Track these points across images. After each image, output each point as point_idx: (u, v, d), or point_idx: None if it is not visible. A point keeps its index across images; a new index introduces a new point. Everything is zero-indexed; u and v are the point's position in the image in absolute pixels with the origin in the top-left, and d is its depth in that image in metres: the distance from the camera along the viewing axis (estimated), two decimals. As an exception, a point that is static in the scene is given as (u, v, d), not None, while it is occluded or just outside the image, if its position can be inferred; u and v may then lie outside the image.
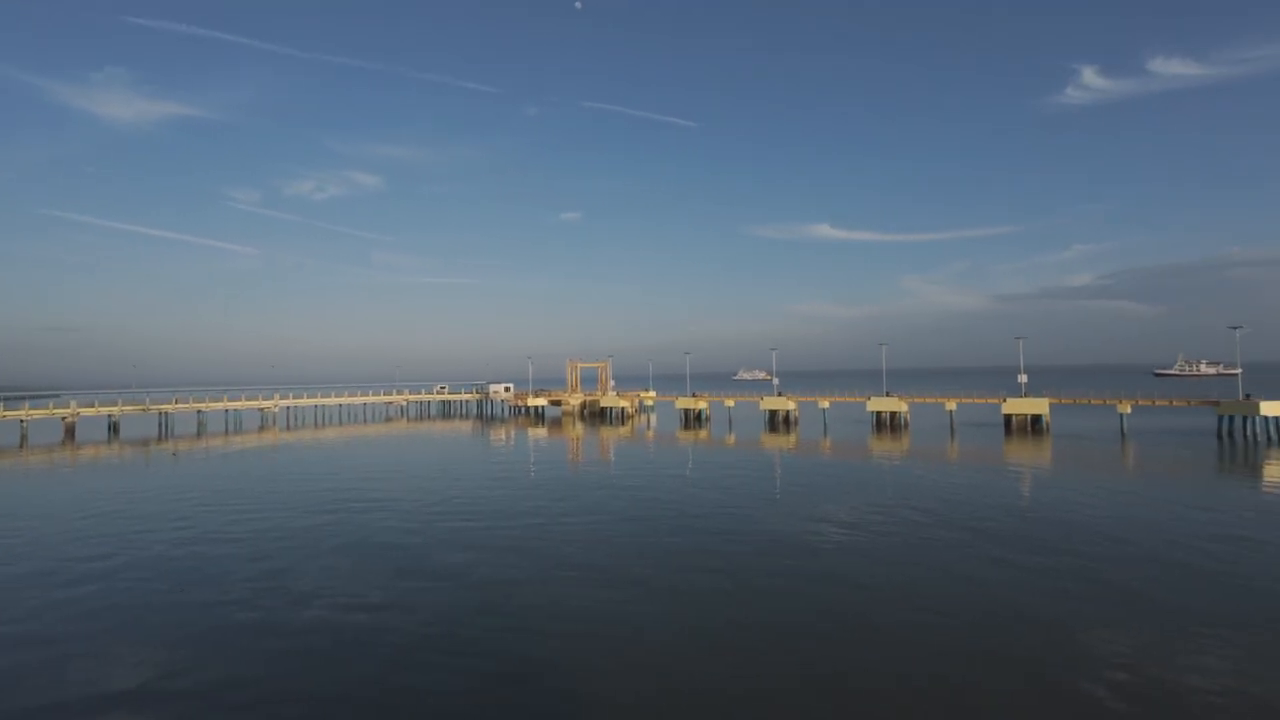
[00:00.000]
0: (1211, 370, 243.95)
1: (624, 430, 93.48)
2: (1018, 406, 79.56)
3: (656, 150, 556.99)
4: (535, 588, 24.58)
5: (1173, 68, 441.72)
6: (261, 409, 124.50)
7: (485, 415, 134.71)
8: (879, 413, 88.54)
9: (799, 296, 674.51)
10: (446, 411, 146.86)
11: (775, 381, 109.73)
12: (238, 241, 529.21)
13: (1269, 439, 64.53)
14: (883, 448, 66.78)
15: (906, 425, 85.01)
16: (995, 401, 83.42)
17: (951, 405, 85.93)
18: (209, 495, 45.15)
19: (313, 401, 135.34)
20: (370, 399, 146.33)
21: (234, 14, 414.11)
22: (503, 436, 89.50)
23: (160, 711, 15.80)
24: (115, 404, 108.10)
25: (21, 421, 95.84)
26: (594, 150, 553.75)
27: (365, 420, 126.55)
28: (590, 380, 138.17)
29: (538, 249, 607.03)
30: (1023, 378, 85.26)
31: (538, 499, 42.03)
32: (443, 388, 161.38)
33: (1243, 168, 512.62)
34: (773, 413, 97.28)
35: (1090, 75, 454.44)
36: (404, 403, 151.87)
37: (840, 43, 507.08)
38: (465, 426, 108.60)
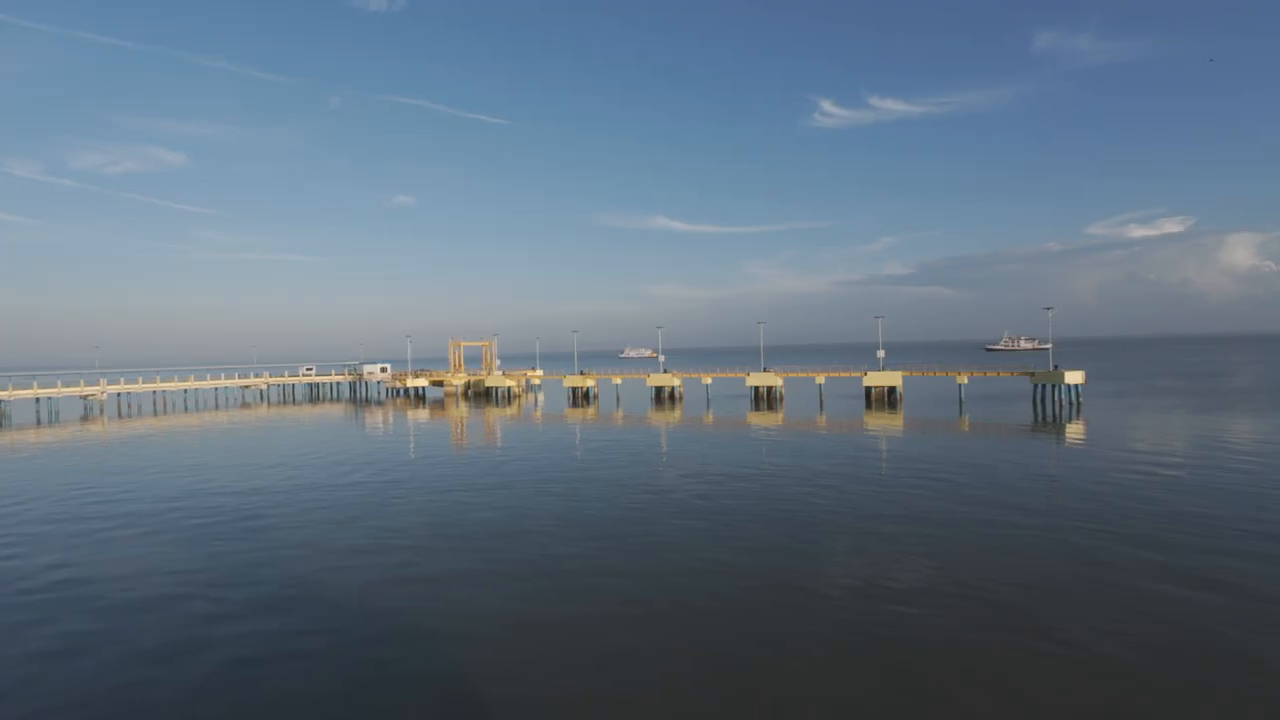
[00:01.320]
0: (1029, 345, 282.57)
1: (511, 410, 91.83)
2: (877, 379, 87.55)
3: (472, 144, 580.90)
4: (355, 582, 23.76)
5: (889, 104, 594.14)
6: (85, 396, 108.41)
7: (359, 398, 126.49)
8: (757, 387, 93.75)
9: (655, 279, 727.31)
10: (314, 395, 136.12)
11: (661, 359, 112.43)
12: (19, 213, 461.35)
13: (1070, 402, 76.26)
14: (761, 420, 70.98)
15: (782, 398, 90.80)
16: (857, 375, 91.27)
17: (821, 379, 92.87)
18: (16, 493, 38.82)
19: (150, 387, 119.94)
20: (223, 383, 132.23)
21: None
22: (378, 420, 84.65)
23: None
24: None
25: None
26: (409, 140, 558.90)
27: (217, 406, 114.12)
28: (475, 360, 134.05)
29: (376, 232, 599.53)
30: (881, 353, 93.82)
31: (404, 481, 40.38)
32: (309, 369, 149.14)
33: (978, 183, 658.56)
34: (659, 389, 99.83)
35: (829, 105, 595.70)
36: (264, 386, 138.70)
37: (627, 51, 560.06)
38: (336, 410, 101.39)
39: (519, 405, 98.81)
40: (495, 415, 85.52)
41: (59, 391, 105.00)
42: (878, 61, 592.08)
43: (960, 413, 72.35)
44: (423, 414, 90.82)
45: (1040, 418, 66.90)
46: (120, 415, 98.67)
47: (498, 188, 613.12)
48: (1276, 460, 41.00)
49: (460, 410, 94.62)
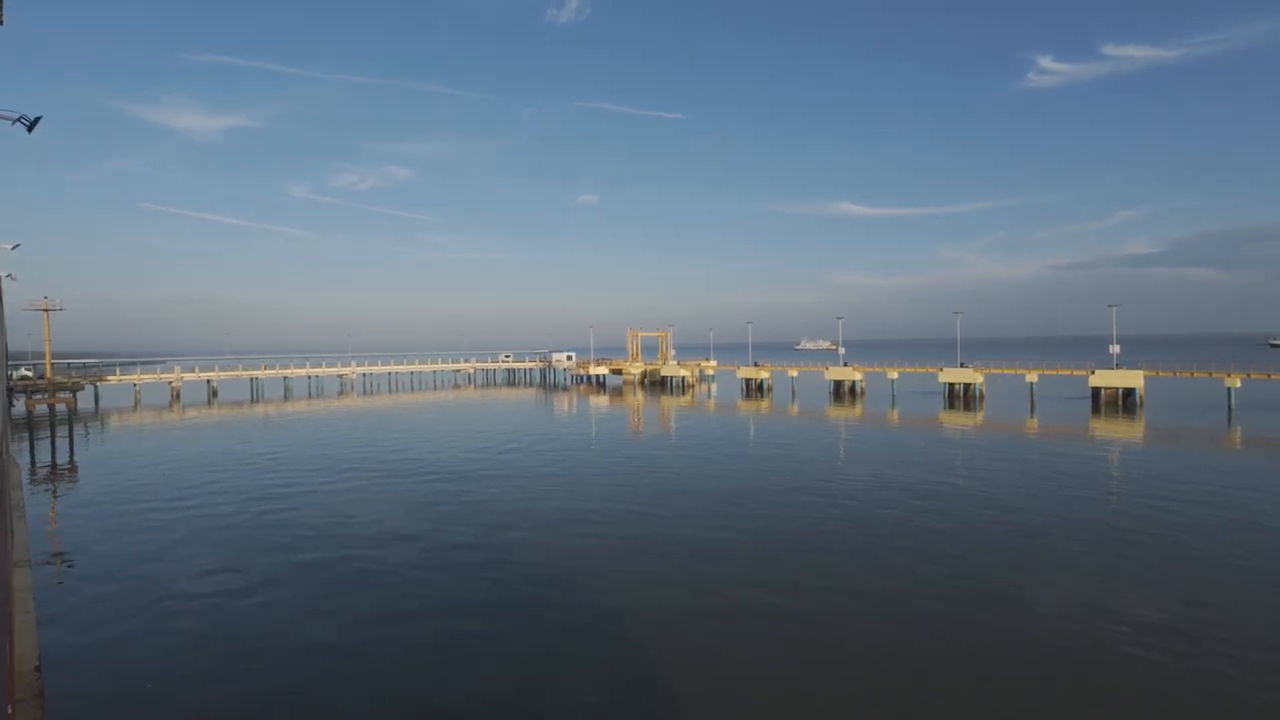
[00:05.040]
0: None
1: (685, 400, 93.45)
2: (1107, 379, 74.21)
3: (651, 140, 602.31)
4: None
5: (1127, 51, 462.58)
6: (340, 375, 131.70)
7: (548, 383, 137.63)
8: (952, 384, 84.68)
9: (837, 267, 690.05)
10: (511, 379, 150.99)
11: (841, 351, 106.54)
12: (297, 226, 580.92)
13: None
14: (956, 420, 63.95)
15: (982, 397, 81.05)
16: (1082, 373, 78.18)
17: (1033, 377, 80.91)
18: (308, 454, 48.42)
19: (386, 369, 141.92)
20: (439, 366, 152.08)
21: (262, 44, 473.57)
22: (565, 405, 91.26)
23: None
24: (213, 369, 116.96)
25: (135, 386, 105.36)
26: (593, 142, 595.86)
27: (435, 387, 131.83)
28: (651, 349, 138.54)
29: (563, 229, 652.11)
30: (1115, 348, 79.24)
31: (596, 466, 42.74)
32: (507, 355, 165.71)
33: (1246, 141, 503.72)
34: (838, 383, 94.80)
35: (1048, 61, 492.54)
36: (471, 370, 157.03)
37: (805, 24, 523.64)
38: (530, 394, 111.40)
39: (693, 395, 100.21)
40: (670, 403, 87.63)
41: (323, 371, 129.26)
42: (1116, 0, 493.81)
43: (1229, 423, 58.62)
44: (603, 400, 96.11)
45: (1356, 434, 51.72)
46: (365, 392, 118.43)
47: (675, 181, 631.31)
48: None
49: (637, 397, 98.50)
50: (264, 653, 17.26)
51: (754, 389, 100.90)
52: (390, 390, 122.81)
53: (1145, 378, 73.89)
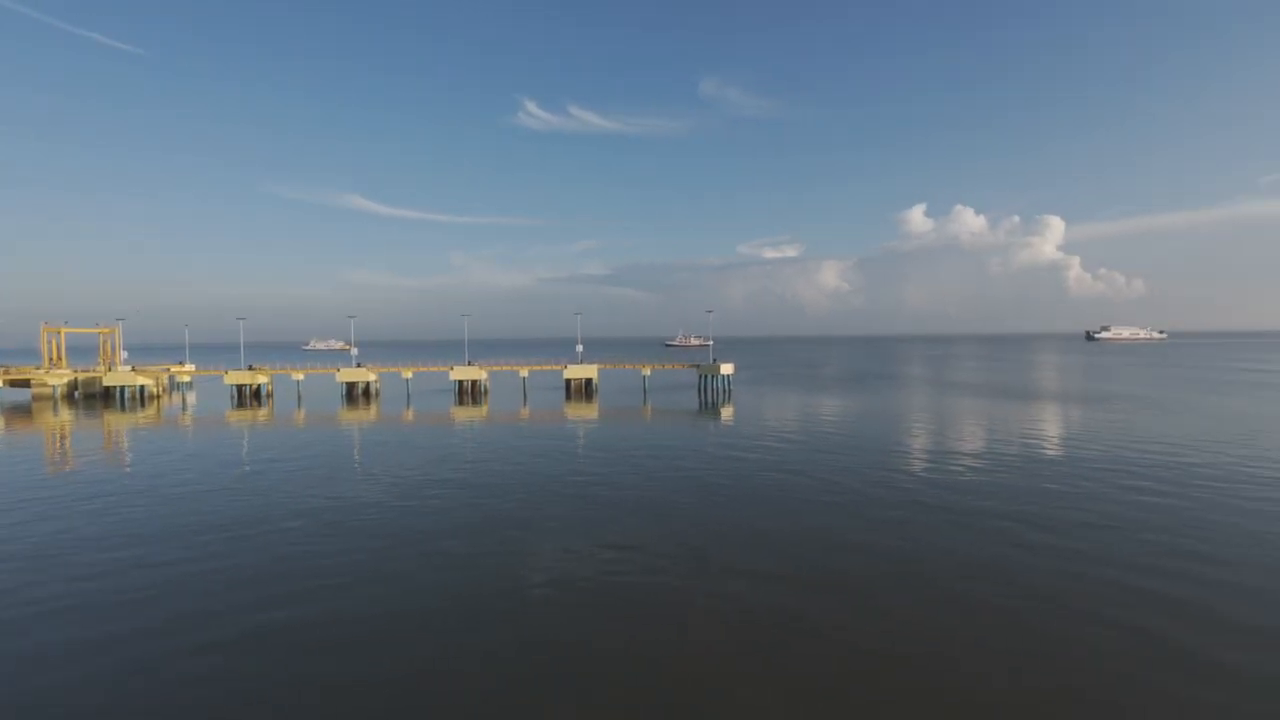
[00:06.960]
0: (698, 342, 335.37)
1: (145, 416, 73.10)
2: (576, 372, 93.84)
3: (83, 67, 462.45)
4: None
5: (586, 115, 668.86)
6: None
7: None
8: (462, 381, 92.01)
9: (352, 264, 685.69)
10: None
11: (354, 351, 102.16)
12: None
13: (724, 389, 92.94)
14: (465, 415, 69.89)
15: (487, 392, 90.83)
16: (559, 368, 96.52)
17: (525, 372, 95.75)
18: None
19: None
20: None
21: None
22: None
23: None
24: None
25: None
26: None
27: None
28: (87, 352, 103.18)
29: None
30: (579, 348, 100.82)
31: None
32: None
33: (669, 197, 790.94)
34: (351, 385, 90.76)
35: (533, 107, 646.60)
36: None
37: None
38: None
39: (159, 409, 79.22)
40: (118, 423, 67.03)
41: None
42: (577, 75, 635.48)
43: (644, 401, 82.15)
44: (-7, 426, 66.16)
45: (704, 403, 80.00)
46: None
47: (124, 129, 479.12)
48: (849, 431, 56.40)
49: (59, 418, 71.71)
50: None
51: (249, 396, 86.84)
52: None
53: (599, 370, 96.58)
